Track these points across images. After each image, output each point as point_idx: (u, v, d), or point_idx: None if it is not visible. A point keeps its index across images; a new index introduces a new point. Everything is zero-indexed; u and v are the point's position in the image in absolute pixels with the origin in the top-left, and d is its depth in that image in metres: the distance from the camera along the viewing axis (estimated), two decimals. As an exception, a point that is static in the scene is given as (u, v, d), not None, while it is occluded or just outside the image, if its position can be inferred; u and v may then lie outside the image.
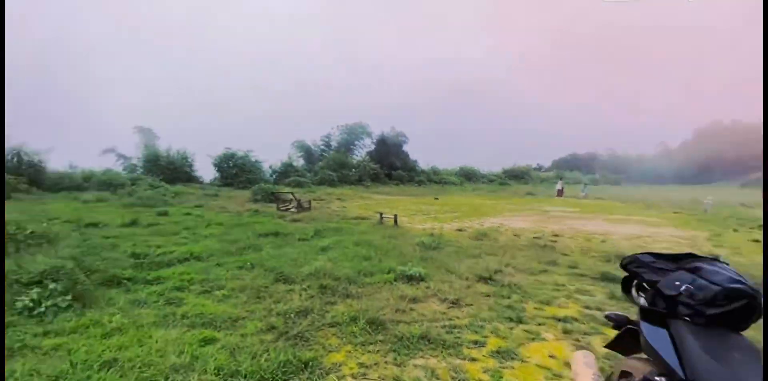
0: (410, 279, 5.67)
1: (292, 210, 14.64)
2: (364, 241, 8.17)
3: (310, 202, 16.61)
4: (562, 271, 6.66)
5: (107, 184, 20.80)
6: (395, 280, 5.64)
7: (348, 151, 48.01)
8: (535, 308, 4.78)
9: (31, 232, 7.11)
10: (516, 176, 56.00)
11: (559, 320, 4.36)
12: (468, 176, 53.88)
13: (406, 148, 50.99)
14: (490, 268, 6.30)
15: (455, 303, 4.83)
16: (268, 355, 3.21)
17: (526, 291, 5.41)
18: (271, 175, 35.06)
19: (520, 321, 4.32)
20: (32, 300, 3.90)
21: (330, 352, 3.41)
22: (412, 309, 4.54)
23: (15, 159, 19.52)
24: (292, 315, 4.14)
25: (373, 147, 50.23)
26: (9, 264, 5.02)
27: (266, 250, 7.22)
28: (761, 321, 1.57)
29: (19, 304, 3.79)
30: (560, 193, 30.27)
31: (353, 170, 41.08)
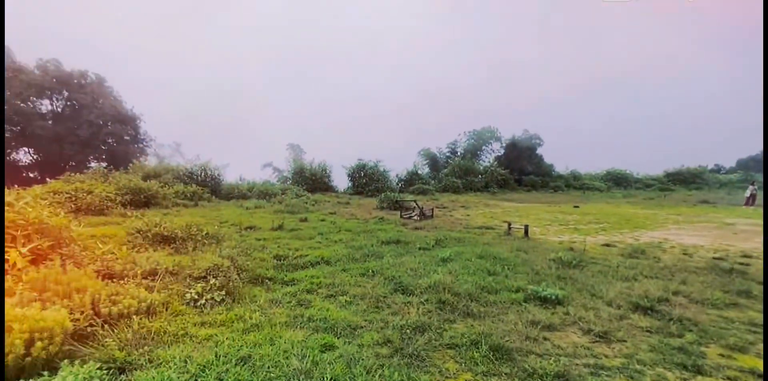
0: (544, 301, 4.93)
1: (415, 218, 14.74)
2: (489, 254, 7.57)
3: (432, 210, 16.52)
4: (759, 306, 4.94)
5: (264, 193, 24.62)
6: (525, 301, 4.99)
7: (474, 157, 46.86)
8: (722, 355, 3.59)
9: (206, 233, 8.73)
10: (683, 180, 45.76)
11: (760, 376, 3.15)
12: (617, 181, 46.57)
13: (540, 151, 47.11)
14: (650, 295, 5.08)
15: (602, 336, 3.96)
16: (383, 371, 3.09)
17: (705, 330, 4.14)
18: (397, 184, 36.44)
19: (698, 371, 3.27)
20: (197, 293, 4.65)
21: (447, 378, 3.10)
22: (545, 338, 3.87)
23: (202, 173, 24.82)
24: (408, 330, 3.96)
25: (502, 151, 47.93)
26: (186, 260, 6.17)
27: (387, 258, 7.30)
28: None
29: (187, 296, 4.56)
30: (750, 200, 23.30)
31: (479, 176, 39.75)
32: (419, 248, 8.41)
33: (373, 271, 6.30)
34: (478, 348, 3.55)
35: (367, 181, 33.08)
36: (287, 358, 3.27)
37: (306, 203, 20.02)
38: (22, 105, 36.45)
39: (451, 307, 4.70)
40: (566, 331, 4.11)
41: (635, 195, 35.01)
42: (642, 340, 3.91)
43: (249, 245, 8.17)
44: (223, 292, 4.81)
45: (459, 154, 48.81)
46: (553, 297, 4.95)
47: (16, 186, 10.16)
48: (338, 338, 3.76)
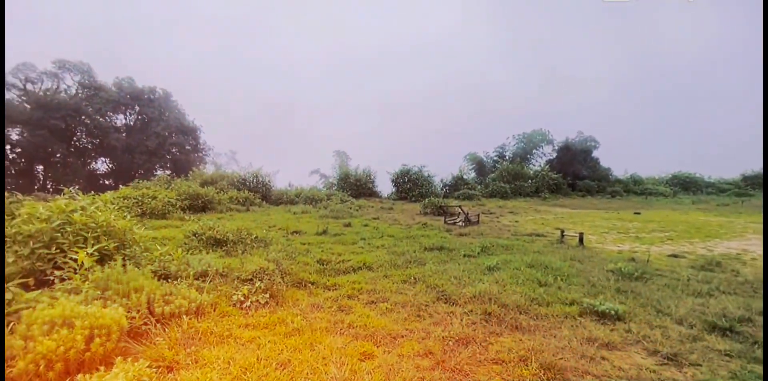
0: (602, 316, 4.52)
1: (459, 224, 14.37)
2: (540, 263, 7.13)
3: (478, 215, 16.02)
4: None
5: (311, 198, 25.32)
6: (580, 315, 4.60)
7: (524, 161, 45.19)
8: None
9: (255, 237, 9.07)
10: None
11: None
12: (685, 185, 42.64)
13: (596, 154, 44.40)
14: (729, 314, 4.49)
15: (672, 359, 3.53)
16: (423, 385, 2.94)
17: (804, 359, 3.54)
18: (442, 189, 35.92)
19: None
20: (243, 295, 4.79)
21: (492, 397, 2.89)
22: (603, 358, 3.52)
23: (254, 180, 26.07)
24: (451, 342, 3.78)
25: (554, 155, 45.79)
26: (236, 262, 6.41)
27: (430, 265, 7.11)
28: None
29: (234, 298, 4.70)
30: None
31: (529, 181, 38.15)
32: (464, 255, 8.13)
33: (415, 278, 6.15)
34: (527, 365, 3.29)
35: (410, 186, 32.92)
36: (326, 365, 3.23)
37: (350, 208, 20.28)
38: (101, 119, 40.63)
39: (497, 319, 4.44)
40: (628, 351, 3.70)
41: (707, 201, 31.70)
42: (720, 365, 3.43)
43: (294, 249, 8.36)
44: (268, 295, 4.91)
45: (507, 158, 47.28)
46: (613, 312, 4.52)
47: (92, 192, 11.28)
48: (378, 347, 3.67)
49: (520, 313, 4.63)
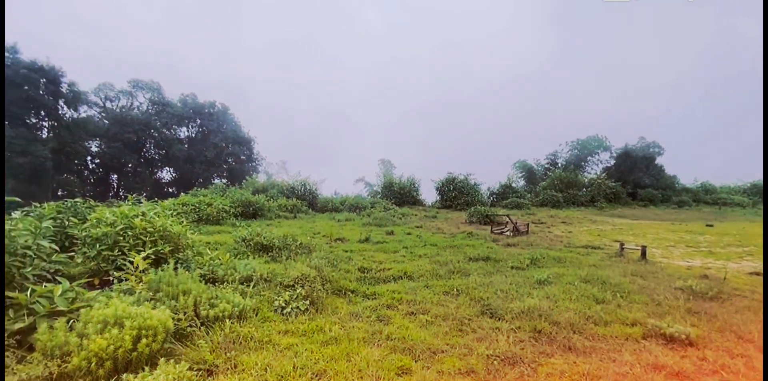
0: (670, 340, 4.02)
1: (507, 233, 13.75)
2: (596, 278, 6.57)
3: (527, 225, 15.26)
4: None
5: (355, 206, 25.63)
6: (644, 337, 4.13)
7: (578, 169, 42.79)
8: None
9: (300, 243, 9.26)
10: None
11: None
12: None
13: (660, 161, 41.04)
14: (838, 347, 3.78)
15: (763, 397, 3.01)
16: (463, 407, 2.74)
17: None
18: (489, 197, 34.84)
19: None
20: (284, 301, 4.84)
21: (541, 426, 2.62)
22: (674, 390, 3.09)
23: (301, 188, 26.93)
24: (496, 361, 3.52)
25: (611, 162, 42.96)
26: (280, 268, 6.55)
27: (474, 276, 6.81)
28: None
29: (276, 303, 4.77)
30: None
31: (584, 190, 35.97)
32: (511, 267, 7.71)
33: (457, 290, 5.90)
34: (581, 392, 2.97)
35: (456, 194, 32.24)
36: (361, 378, 3.12)
37: (393, 216, 20.22)
38: (167, 132, 44.37)
39: (548, 337, 4.10)
40: (705, 384, 3.23)
41: (799, 211, 27.85)
42: (828, 408, 2.87)
43: (336, 256, 8.41)
44: (308, 302, 4.93)
45: (560, 165, 45.03)
46: (683, 336, 4.00)
47: (156, 199, 12.22)
48: (416, 362, 3.51)
49: (574, 332, 4.25)
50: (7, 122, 30.47)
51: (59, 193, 34.38)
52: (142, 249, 5.72)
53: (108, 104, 42.88)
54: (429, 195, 34.98)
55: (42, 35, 64.08)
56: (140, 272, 4.41)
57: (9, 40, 34.49)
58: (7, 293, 3.26)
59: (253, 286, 5.40)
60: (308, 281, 5.63)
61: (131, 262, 4.66)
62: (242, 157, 49.80)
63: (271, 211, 20.22)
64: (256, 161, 52.24)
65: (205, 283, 4.92)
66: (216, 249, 8.04)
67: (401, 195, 32.28)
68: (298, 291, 5.14)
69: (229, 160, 48.76)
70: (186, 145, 46.49)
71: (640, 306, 5.17)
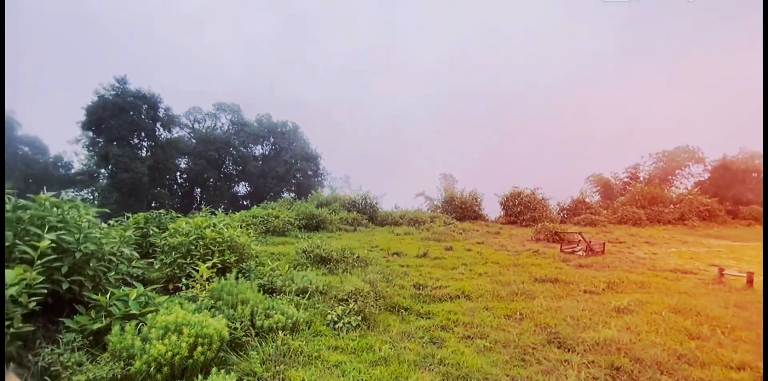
0: (795, 394, 3.24)
1: (579, 253, 12.55)
2: (689, 308, 5.64)
3: (603, 244, 13.84)
4: None
5: (414, 220, 25.39)
6: (757, 387, 3.38)
7: (663, 183, 38.42)
8: None
9: (357, 256, 9.30)
10: None
11: None
12: None
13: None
14: None
15: None
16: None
17: None
18: (559, 213, 32.50)
19: None
20: (337, 315, 4.80)
21: None
22: None
23: (362, 201, 27.48)
24: (562, 400, 3.10)
25: (706, 176, 37.99)
26: (335, 280, 6.58)
27: (540, 299, 6.22)
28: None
29: (328, 317, 4.75)
30: None
31: (671, 206, 32.04)
32: (584, 291, 6.95)
33: (521, 314, 5.42)
34: (672, 450, 2.47)
35: (521, 209, 30.52)
36: (409, 405, 2.92)
37: (453, 231, 19.63)
38: (243, 150, 48.41)
39: (628, 376, 3.54)
40: None
41: None
42: None
43: (392, 271, 8.27)
44: (360, 317, 4.84)
45: (642, 179, 40.81)
46: (816, 391, 3.20)
47: (231, 211, 13.20)
48: (470, 392, 3.21)
49: (662, 372, 3.62)
50: (114, 143, 35.48)
51: (153, 205, 38.79)
52: (210, 258, 6.12)
53: (196, 125, 48.21)
54: (492, 210, 33.61)
55: (144, 68, 74.73)
56: (204, 280, 4.68)
57: (119, 72, 40.64)
58: (89, 295, 3.63)
59: (308, 298, 5.46)
60: (362, 296, 5.56)
61: (196, 271, 4.97)
62: (309, 173, 52.54)
63: (332, 223, 20.78)
64: (321, 176, 54.81)
65: (263, 293, 5.07)
66: (278, 259, 8.35)
67: (462, 209, 31.41)
68: (351, 306, 5.09)
69: (298, 175, 51.68)
70: (260, 162, 50.23)
71: (748, 346, 4.30)
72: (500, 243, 15.60)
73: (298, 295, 5.54)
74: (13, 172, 33.95)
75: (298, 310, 4.78)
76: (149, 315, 3.37)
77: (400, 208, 31.92)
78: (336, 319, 4.76)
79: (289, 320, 4.34)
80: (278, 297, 5.18)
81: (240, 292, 4.51)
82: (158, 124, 40.44)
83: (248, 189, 50.60)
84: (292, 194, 46.48)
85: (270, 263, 6.64)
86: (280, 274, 6.26)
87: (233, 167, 49.20)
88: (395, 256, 11.06)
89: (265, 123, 51.13)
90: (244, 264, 6.31)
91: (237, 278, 5.02)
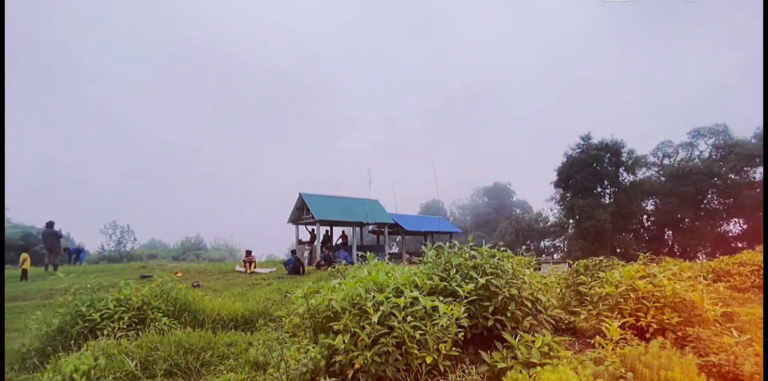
0: None
1: None
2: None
3: None
4: None
5: None
6: None
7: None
8: None
9: None
10: None
11: None
12: None
13: None
14: None
15: None
16: None
17: None
18: None
19: None
20: None
21: None
22: None
23: None
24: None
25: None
26: None
27: None
28: None
29: None
30: None
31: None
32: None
33: None
34: None
35: None
36: None
37: None
38: (734, 177, 37.31)
39: None
40: None
41: None
42: None
43: None
44: None
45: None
46: None
47: (719, 255, 10.36)
48: None
49: None
50: (579, 195, 38.76)
51: (617, 251, 37.30)
52: (644, 315, 5.23)
53: (666, 161, 43.03)
54: None
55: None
56: (614, 343, 4.02)
57: (567, 131, 45.15)
58: (505, 335, 4.17)
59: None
60: None
61: (607, 329, 4.39)
62: None
63: None
64: None
65: (707, 378, 3.59)
66: (744, 330, 5.55)
67: None
68: None
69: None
70: (758, 190, 36.61)
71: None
72: None
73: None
74: (507, 231, 45.07)
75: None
76: (538, 369, 3.37)
77: None
78: None
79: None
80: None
81: (663, 368, 3.50)
82: (621, 169, 39.92)
83: (743, 227, 37.65)
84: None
85: (736, 333, 4.60)
86: (755, 354, 4.17)
87: (718, 201, 38.96)
88: None
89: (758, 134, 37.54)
90: (690, 329, 4.80)
91: (662, 347, 3.93)
